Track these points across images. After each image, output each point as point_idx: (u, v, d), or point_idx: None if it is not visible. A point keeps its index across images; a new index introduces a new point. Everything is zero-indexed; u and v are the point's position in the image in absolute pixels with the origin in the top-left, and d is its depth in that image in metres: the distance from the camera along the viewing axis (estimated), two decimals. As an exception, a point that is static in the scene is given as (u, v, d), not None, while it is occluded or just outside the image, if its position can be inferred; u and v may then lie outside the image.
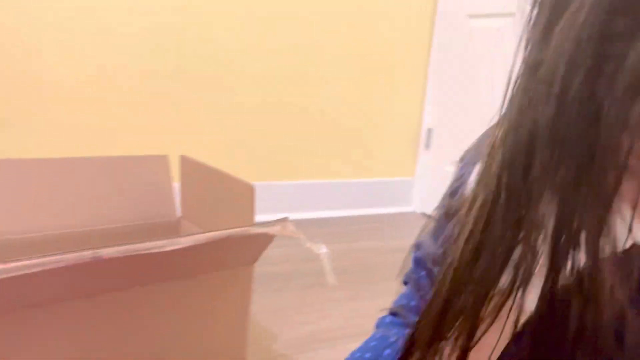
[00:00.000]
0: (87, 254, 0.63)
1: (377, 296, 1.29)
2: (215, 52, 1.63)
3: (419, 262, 0.47)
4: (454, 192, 0.44)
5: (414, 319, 0.47)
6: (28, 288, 0.65)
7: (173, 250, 0.71)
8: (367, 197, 2.02)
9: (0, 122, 1.39)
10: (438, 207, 0.46)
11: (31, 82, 1.42)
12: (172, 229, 1.12)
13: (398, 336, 0.47)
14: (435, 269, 0.44)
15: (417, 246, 0.49)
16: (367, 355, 0.47)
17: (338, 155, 1.93)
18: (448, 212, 0.43)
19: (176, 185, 1.11)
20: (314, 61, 1.80)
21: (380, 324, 0.52)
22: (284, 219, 0.81)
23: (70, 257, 0.62)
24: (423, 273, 0.46)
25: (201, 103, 1.65)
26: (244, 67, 1.68)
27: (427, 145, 2.05)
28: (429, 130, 2.04)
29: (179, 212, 1.12)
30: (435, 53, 1.97)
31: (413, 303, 0.48)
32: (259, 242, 0.84)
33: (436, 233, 0.45)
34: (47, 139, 1.46)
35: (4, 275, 0.57)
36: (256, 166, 1.78)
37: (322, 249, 0.80)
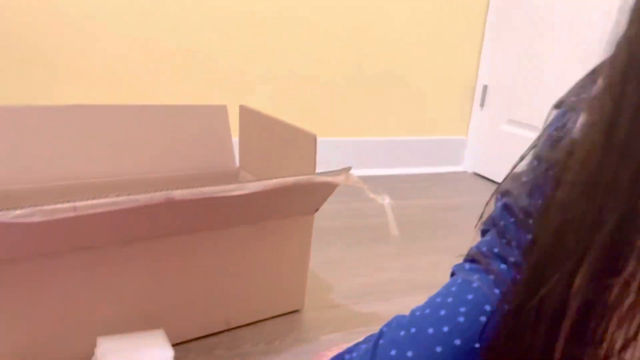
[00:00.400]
0: (160, 195, 0.64)
1: (428, 253, 1.28)
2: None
3: (508, 209, 0.45)
4: (556, 141, 0.42)
5: (496, 265, 0.45)
6: (100, 228, 0.67)
7: (240, 196, 0.71)
8: (418, 155, 1.99)
9: (54, 69, 1.42)
10: (535, 158, 0.44)
11: (90, 28, 1.43)
12: (230, 179, 1.13)
13: (481, 282, 0.46)
14: (530, 220, 0.42)
15: (505, 193, 0.47)
16: (449, 299, 0.47)
17: (389, 113, 1.90)
18: (547, 163, 0.41)
19: (234, 135, 1.11)
20: (372, 17, 1.75)
21: (458, 269, 0.50)
22: (347, 169, 0.80)
23: (143, 198, 0.63)
24: (512, 220, 0.45)
25: (263, 55, 1.63)
26: (302, 18, 1.65)
27: (482, 104, 1.99)
28: (485, 87, 1.97)
29: (237, 162, 1.13)
30: (494, 3, 1.89)
31: (496, 250, 0.46)
32: (322, 191, 0.84)
33: (531, 185, 0.43)
34: (105, 86, 1.48)
35: (77, 214, 0.59)
36: (310, 123, 1.77)
37: (386, 200, 0.79)
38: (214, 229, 0.78)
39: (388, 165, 1.94)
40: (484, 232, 0.53)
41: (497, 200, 0.50)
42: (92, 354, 0.71)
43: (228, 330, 0.87)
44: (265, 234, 0.84)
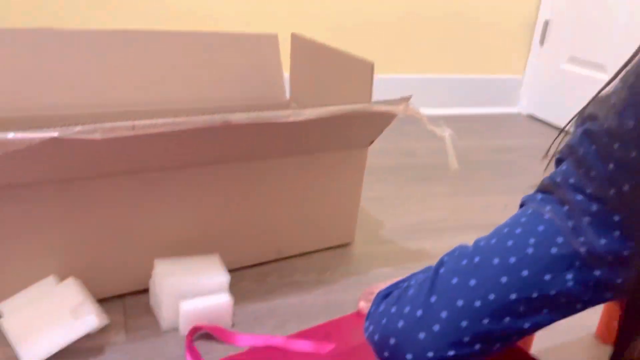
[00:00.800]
0: (218, 118, 0.62)
1: (480, 194, 1.25)
2: None
3: (590, 136, 0.41)
4: None
5: (571, 196, 0.42)
6: (158, 149, 0.66)
7: (295, 123, 0.69)
8: (472, 95, 1.91)
9: None
10: (632, 75, 0.39)
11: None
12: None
13: (553, 213, 0.43)
14: (616, 145, 0.39)
15: (588, 118, 0.43)
16: (518, 230, 0.44)
17: (444, 50, 1.81)
18: None
19: (286, 66, 1.08)
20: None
21: (529, 200, 0.47)
22: (407, 98, 0.76)
23: (200, 120, 0.62)
24: (593, 148, 0.41)
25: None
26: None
27: (542, 41, 1.87)
28: (546, 23, 1.85)
29: (287, 94, 1.11)
30: None
31: (572, 180, 0.42)
32: (379, 122, 0.81)
33: (623, 104, 0.39)
34: (154, 12, 1.46)
35: (136, 133, 0.58)
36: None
37: (447, 131, 0.76)
38: (269, 157, 0.77)
39: (441, 105, 1.88)
40: (558, 162, 0.49)
41: (576, 126, 0.46)
42: (150, 276, 0.73)
43: (280, 259, 0.88)
44: (320, 165, 0.83)
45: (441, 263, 0.46)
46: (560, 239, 0.42)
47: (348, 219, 0.93)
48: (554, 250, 0.42)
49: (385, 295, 0.48)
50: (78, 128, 0.52)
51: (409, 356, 0.42)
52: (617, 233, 0.39)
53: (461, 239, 0.94)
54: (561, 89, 1.82)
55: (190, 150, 0.69)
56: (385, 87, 1.76)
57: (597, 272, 0.40)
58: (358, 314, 0.75)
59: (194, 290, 0.68)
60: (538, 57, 1.90)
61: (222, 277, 0.71)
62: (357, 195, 0.92)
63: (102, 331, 0.67)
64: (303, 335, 0.69)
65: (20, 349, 0.60)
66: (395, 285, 0.50)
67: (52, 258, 0.67)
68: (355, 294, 0.80)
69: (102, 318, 0.65)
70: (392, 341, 0.43)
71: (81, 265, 0.69)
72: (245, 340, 0.68)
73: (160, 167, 0.69)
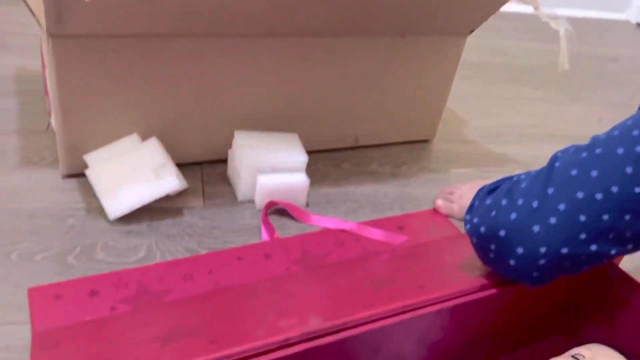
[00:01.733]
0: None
1: (577, 102, 1.15)
2: None
3: None
4: None
5: None
6: (245, 13, 0.62)
7: (396, -2, 0.63)
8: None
9: None
10: None
11: None
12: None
13: None
14: None
15: None
16: (636, 132, 0.39)
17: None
18: None
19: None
20: None
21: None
22: (524, -17, 0.67)
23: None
24: None
25: None
26: None
27: None
28: None
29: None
30: None
31: None
32: (486, 6, 0.72)
33: None
34: None
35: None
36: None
37: (563, 25, 0.67)
38: (360, 35, 0.71)
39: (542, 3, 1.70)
40: None
41: None
42: (228, 146, 0.72)
43: (356, 147, 0.85)
44: (412, 50, 0.77)
45: (555, 158, 0.42)
46: None
47: (432, 114, 0.88)
48: None
49: (491, 189, 0.45)
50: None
51: (519, 250, 0.40)
52: None
53: (550, 147, 0.87)
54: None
55: (279, 16, 0.64)
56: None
57: None
58: (434, 211, 0.72)
59: (272, 166, 0.67)
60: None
61: (300, 157, 0.69)
62: (447, 90, 0.86)
63: (180, 194, 0.68)
64: (376, 224, 0.68)
65: (105, 202, 0.62)
66: (502, 181, 0.47)
67: (137, 117, 0.67)
68: (431, 191, 0.77)
69: (182, 181, 0.66)
70: (502, 233, 0.41)
71: (163, 128, 0.69)
72: (319, 221, 0.67)
73: (248, 32, 0.65)
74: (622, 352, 0.44)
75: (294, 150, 0.69)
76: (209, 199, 0.69)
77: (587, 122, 1.07)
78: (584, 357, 0.43)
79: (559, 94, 1.18)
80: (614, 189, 0.37)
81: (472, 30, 0.78)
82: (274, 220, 0.67)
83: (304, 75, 0.73)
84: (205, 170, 0.74)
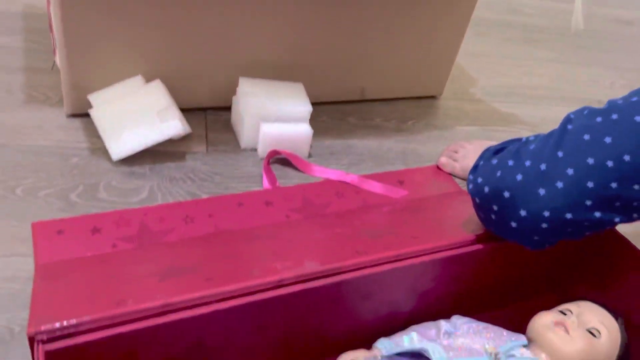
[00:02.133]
0: None
1: (590, 65, 1.13)
2: None
3: None
4: None
5: None
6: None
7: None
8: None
9: None
10: None
11: None
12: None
13: None
14: None
15: None
16: None
17: None
18: None
19: None
20: None
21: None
22: None
23: None
24: None
25: None
26: None
27: None
28: None
29: None
30: None
31: None
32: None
33: None
34: None
35: None
36: None
37: (581, -18, 0.65)
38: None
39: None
40: None
41: None
42: (232, 93, 0.72)
43: (362, 101, 0.84)
44: (422, 2, 0.75)
45: (568, 120, 0.41)
46: None
47: (441, 70, 0.86)
48: None
49: (497, 150, 0.45)
50: None
51: (522, 212, 0.40)
52: None
53: (560, 110, 0.86)
54: None
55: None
56: None
57: None
58: (437, 168, 0.72)
59: (276, 114, 0.67)
60: None
61: (305, 107, 0.69)
62: (456, 46, 0.84)
63: (184, 139, 0.68)
64: (377, 177, 0.68)
65: (108, 143, 0.62)
66: (510, 142, 0.46)
67: (141, 59, 0.66)
68: (435, 148, 0.77)
69: (185, 126, 0.66)
70: (506, 194, 0.40)
71: (168, 71, 0.68)
72: (320, 172, 0.68)
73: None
74: (610, 311, 0.45)
75: (299, 100, 0.69)
76: (212, 145, 0.69)
77: (598, 85, 1.05)
78: (571, 312, 0.43)
79: (572, 56, 1.15)
80: (627, 158, 0.37)
81: (487, -16, 0.76)
82: (276, 169, 0.67)
83: (312, 24, 0.71)
84: (209, 116, 0.74)
